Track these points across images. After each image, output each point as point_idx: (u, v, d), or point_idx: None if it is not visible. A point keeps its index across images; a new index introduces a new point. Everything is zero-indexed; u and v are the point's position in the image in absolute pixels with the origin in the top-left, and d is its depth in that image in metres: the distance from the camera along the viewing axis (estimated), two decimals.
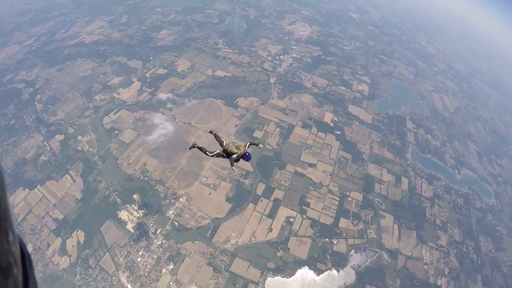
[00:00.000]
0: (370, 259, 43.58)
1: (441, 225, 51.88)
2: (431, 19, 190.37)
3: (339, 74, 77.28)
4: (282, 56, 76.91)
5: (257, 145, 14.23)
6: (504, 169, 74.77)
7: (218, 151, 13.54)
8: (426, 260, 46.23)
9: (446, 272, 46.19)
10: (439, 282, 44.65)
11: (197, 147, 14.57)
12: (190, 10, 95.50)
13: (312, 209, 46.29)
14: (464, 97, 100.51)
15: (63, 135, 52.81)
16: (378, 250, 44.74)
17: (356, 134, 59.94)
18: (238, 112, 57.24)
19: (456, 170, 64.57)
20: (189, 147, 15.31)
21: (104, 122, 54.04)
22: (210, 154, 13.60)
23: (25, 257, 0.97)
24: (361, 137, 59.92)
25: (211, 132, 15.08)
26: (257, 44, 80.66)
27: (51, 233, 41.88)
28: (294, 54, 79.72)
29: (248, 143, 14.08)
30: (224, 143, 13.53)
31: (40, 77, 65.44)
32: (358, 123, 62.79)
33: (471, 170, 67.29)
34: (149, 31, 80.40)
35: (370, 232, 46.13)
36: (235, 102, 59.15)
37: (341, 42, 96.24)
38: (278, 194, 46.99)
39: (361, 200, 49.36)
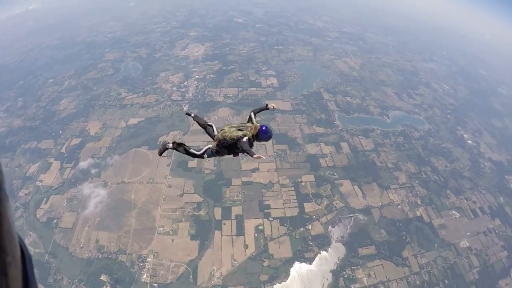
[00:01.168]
0: (349, 226, 43.33)
1: (394, 166, 53.89)
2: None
3: (245, 78, 77.91)
4: (186, 82, 75.52)
5: (266, 108, 9.41)
6: (424, 96, 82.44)
7: (209, 146, 8.56)
8: (397, 201, 47.64)
9: (419, 202, 48.30)
10: (418, 213, 46.41)
11: (173, 148, 8.66)
12: (83, 70, 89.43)
13: (274, 208, 44.93)
14: (364, 53, 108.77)
15: None
16: (352, 215, 44.79)
17: (283, 124, 60.23)
18: (165, 151, 53.77)
19: (384, 116, 68.31)
20: (159, 151, 8.78)
21: (38, 216, 47.88)
22: (198, 153, 8.40)
23: (25, 256, 0.94)
24: (288, 125, 60.33)
25: (188, 114, 9.86)
26: (158, 79, 78.33)
27: None
28: (197, 76, 78.86)
29: (252, 113, 9.11)
30: (216, 132, 8.66)
31: None
32: (280, 114, 63.23)
33: (397, 110, 71.88)
34: (49, 105, 73.67)
35: (336, 203, 46.00)
36: (158, 143, 56.26)
37: (236, 48, 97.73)
38: (236, 210, 44.91)
39: (314, 180, 49.20)
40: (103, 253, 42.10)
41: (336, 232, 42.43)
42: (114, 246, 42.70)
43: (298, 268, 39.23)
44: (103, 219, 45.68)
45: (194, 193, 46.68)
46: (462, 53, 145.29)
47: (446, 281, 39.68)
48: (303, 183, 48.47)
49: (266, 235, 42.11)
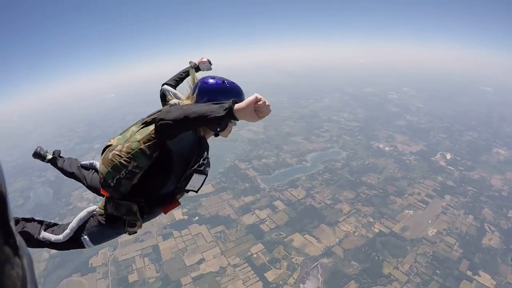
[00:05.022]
0: (319, 275, 40.83)
1: (332, 201, 54.87)
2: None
3: None
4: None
5: (194, 69, 4.14)
6: (330, 130, 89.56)
7: (91, 211, 3.44)
8: (352, 230, 47.50)
9: (371, 219, 49.41)
10: (376, 230, 47.16)
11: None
12: None
13: None
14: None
15: None
16: (316, 263, 42.54)
17: (211, 207, 58.05)
18: (99, 273, 48.26)
19: (303, 162, 70.91)
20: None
21: None
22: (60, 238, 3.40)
23: (25, 256, 0.88)
24: (216, 206, 58.42)
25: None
26: (72, 199, 69.25)
27: None
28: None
29: (165, 86, 3.86)
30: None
31: None
32: (205, 198, 60.77)
33: (312, 152, 75.73)
34: None
35: (296, 259, 43.72)
36: (90, 265, 50.13)
37: None
38: None
39: (264, 247, 46.88)
40: None
41: (309, 286, 39.58)
42: None
43: None
44: None
45: None
46: (345, 82, 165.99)
47: (438, 271, 39.56)
48: (254, 255, 45.60)
49: None
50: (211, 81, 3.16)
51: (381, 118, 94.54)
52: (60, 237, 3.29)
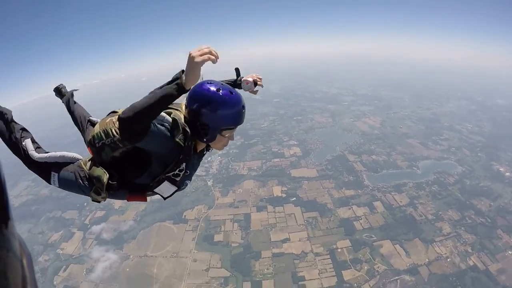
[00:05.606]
0: None
1: (434, 217, 50.01)
2: (317, 69, 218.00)
3: (268, 150, 78.76)
4: (209, 158, 76.31)
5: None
6: (450, 140, 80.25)
7: (74, 156, 3.51)
8: (445, 254, 42.77)
9: (469, 250, 43.43)
10: (470, 262, 41.29)
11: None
12: None
13: (310, 279, 40.90)
14: (382, 110, 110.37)
15: None
16: (397, 277, 39.94)
17: (310, 191, 58.42)
18: (189, 225, 53.75)
19: (414, 168, 65.77)
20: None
21: (55, 283, 46.53)
22: (35, 156, 3.50)
23: (25, 255, 0.92)
24: (316, 191, 58.48)
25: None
26: None
27: None
28: (220, 151, 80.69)
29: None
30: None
31: None
32: (306, 181, 61.70)
33: (425, 159, 69.40)
34: None
35: (378, 267, 41.57)
36: (183, 217, 55.90)
37: (256, 123, 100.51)
38: (267, 284, 41.11)
39: (350, 245, 45.52)
40: None
41: None
42: None
43: None
44: None
45: (220, 268, 44.14)
46: (476, 90, 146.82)
47: None
48: (338, 250, 44.81)
49: None
50: (205, 86, 2.84)
51: (509, 138, 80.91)
52: (36, 154, 3.42)
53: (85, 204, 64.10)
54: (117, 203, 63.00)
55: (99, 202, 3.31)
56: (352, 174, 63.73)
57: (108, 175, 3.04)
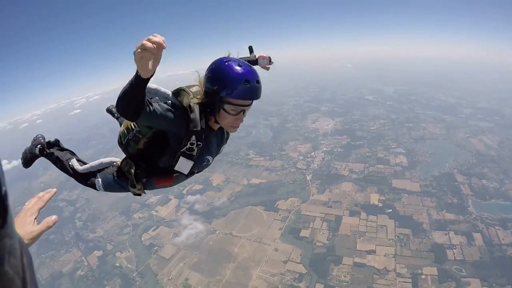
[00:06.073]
0: None
1: None
2: (437, 74, 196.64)
3: (373, 154, 76.09)
4: (313, 153, 78.20)
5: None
6: None
7: (111, 161, 3.81)
8: None
9: None
10: None
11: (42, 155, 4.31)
12: None
13: None
14: (502, 129, 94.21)
15: (101, 251, 53.06)
16: None
17: (409, 206, 55.11)
18: (279, 215, 55.88)
19: None
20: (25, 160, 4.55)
21: (143, 239, 54.01)
22: (80, 168, 3.87)
23: (25, 255, 0.85)
24: (414, 207, 54.90)
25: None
26: (286, 147, 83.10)
27: None
28: (324, 148, 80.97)
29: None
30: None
31: (81, 197, 69.36)
32: (407, 195, 58.21)
33: None
34: None
35: None
36: (275, 205, 58.24)
37: (365, 125, 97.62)
38: None
39: (436, 274, 41.68)
40: None
41: None
42: None
43: None
44: (200, 261, 47.29)
45: (299, 263, 44.94)
46: None
47: None
48: (423, 276, 41.49)
49: None
50: (218, 59, 2.95)
51: None
52: (80, 167, 3.81)
53: None
54: (215, 180, 68.73)
55: (139, 195, 3.57)
56: (457, 197, 57.79)
57: (134, 165, 3.31)
